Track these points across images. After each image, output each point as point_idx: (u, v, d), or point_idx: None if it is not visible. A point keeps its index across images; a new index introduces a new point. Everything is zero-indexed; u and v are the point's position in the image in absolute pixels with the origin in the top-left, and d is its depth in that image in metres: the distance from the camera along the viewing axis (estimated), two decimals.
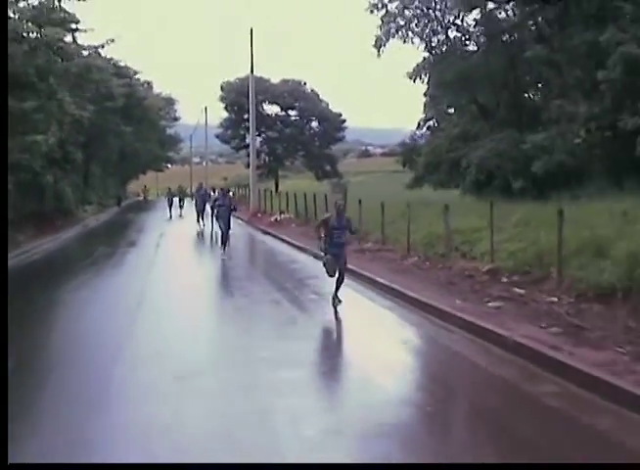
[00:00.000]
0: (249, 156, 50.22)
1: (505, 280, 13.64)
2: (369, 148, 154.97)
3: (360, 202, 22.01)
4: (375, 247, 20.28)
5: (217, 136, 76.25)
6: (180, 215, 43.39)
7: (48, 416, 7.44)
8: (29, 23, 16.70)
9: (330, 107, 72.87)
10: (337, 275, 13.10)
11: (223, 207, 23.63)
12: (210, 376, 8.76)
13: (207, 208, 31.82)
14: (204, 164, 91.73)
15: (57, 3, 17.91)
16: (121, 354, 9.68)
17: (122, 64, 34.29)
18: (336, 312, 12.49)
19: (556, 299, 11.58)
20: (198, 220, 34.39)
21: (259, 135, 66.22)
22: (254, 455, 6.07)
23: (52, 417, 7.37)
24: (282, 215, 34.75)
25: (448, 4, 34.61)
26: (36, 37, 16.35)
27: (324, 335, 11.67)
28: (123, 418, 7.33)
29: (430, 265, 16.65)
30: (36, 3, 19.04)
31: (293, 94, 70.41)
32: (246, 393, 8.01)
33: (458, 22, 36.08)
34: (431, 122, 51.56)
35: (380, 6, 37.08)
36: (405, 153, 53.35)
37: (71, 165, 36.54)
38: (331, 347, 11.15)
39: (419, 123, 51.96)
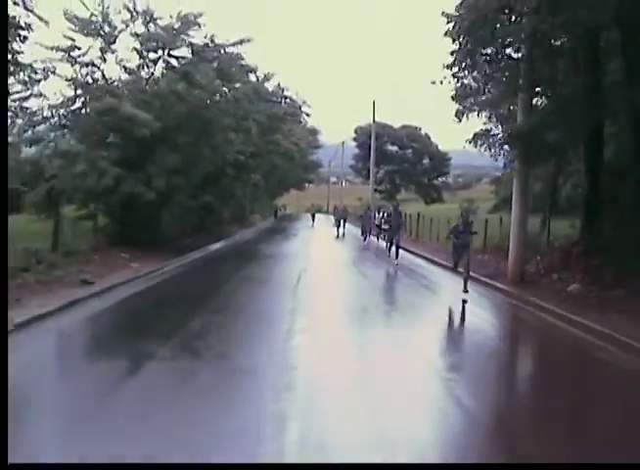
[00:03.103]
0: (376, 183, 70.77)
1: None
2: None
3: (418, 215, 41.89)
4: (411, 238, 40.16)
5: (351, 166, 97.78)
6: (313, 226, 58.69)
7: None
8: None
9: (439, 147, 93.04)
10: (465, 278, 16.63)
11: (396, 221, 26.43)
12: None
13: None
14: (339, 184, 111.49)
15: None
16: (307, 245, 30.72)
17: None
18: (464, 303, 15.81)
19: None
20: (364, 237, 38.71)
21: (381, 169, 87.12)
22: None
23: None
24: None
25: None
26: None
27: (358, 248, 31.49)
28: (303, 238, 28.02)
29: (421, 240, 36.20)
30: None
31: (409, 137, 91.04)
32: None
33: None
34: None
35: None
36: (497, 184, 71.44)
37: (256, 189, 57.29)
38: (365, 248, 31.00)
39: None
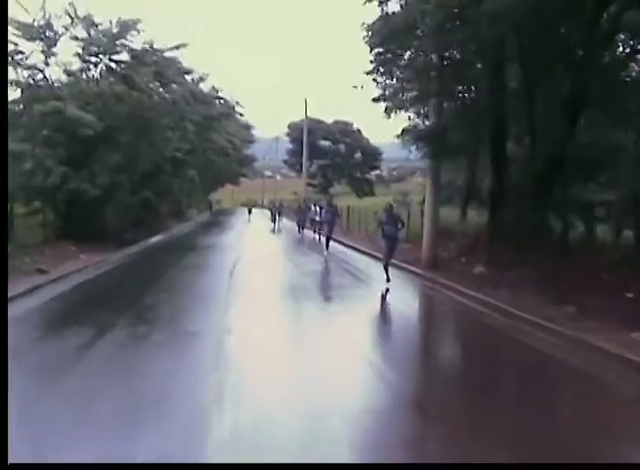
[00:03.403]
0: (309, 177, 73.14)
1: None
2: None
3: (348, 208, 44.17)
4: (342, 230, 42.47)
5: (285, 161, 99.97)
6: (249, 221, 58.65)
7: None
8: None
9: (370, 142, 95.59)
10: (386, 266, 17.85)
11: (329, 213, 27.71)
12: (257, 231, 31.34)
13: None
14: (274, 178, 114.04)
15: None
16: (242, 238, 32.52)
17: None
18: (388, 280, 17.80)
19: None
20: (299, 231, 40.67)
21: (315, 163, 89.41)
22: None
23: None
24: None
25: None
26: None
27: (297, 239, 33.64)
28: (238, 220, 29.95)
29: (351, 232, 38.52)
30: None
31: (342, 132, 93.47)
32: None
33: None
34: None
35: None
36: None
37: (192, 184, 59.03)
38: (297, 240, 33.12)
39: None
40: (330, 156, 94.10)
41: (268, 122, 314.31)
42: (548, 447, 6.38)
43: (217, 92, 41.34)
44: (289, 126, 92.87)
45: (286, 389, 8.12)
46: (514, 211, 21.69)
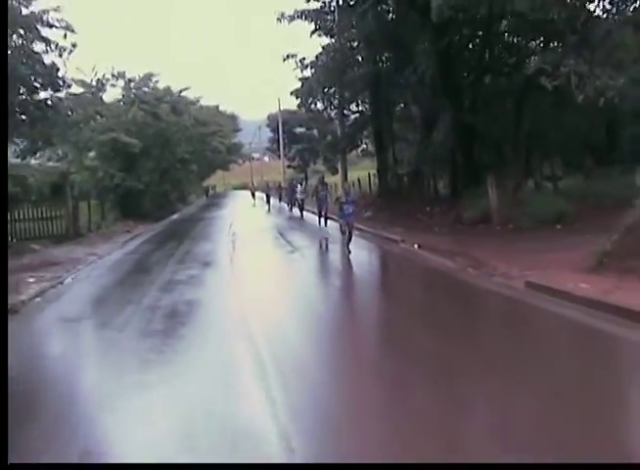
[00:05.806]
0: (288, 159, 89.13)
1: None
2: None
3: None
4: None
5: (267, 149, 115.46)
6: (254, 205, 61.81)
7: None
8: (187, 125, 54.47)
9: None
10: (347, 234, 20.83)
11: (323, 192, 29.91)
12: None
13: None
14: (259, 160, 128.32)
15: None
16: (238, 203, 47.86)
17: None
18: (349, 255, 20.56)
19: None
20: (290, 209, 46.03)
21: (293, 148, 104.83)
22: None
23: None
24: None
25: None
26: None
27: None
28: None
29: None
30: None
31: (314, 119, 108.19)
32: None
33: None
34: None
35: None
36: None
37: (193, 175, 73.99)
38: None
39: None
40: (305, 140, 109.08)
41: (254, 104, 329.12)
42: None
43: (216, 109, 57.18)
44: (268, 117, 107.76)
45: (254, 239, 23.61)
46: (390, 177, 37.32)
